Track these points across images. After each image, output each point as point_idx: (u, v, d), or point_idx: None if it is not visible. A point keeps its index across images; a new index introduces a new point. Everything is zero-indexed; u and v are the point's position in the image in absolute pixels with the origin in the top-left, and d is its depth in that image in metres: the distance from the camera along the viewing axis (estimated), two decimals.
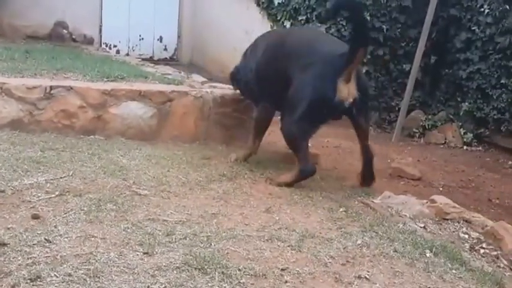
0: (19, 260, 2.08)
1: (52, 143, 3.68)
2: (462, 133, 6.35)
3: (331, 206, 3.16)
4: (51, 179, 2.96)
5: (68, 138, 3.88)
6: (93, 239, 2.30)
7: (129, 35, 8.91)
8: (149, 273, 2.06)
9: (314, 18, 6.55)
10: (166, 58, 9.13)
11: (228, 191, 3.18)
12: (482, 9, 6.21)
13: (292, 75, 3.49)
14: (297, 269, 2.25)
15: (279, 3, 6.95)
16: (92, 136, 4.00)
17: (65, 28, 8.12)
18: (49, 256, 2.12)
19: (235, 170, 3.61)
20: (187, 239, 2.41)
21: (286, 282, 2.14)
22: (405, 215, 3.18)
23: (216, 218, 2.72)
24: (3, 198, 2.66)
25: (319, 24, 6.41)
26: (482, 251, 2.86)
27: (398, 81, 6.86)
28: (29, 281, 1.94)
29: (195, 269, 2.13)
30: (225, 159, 3.89)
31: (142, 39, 9.01)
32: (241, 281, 2.09)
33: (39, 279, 1.95)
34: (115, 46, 8.78)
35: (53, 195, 2.75)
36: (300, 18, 6.59)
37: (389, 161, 5.13)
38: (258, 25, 7.43)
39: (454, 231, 3.04)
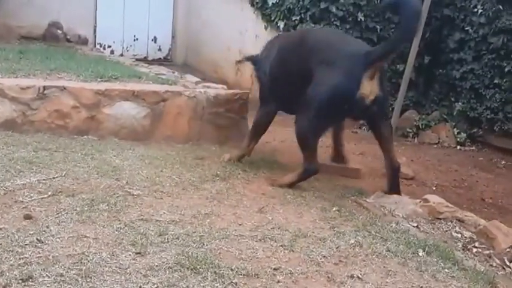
0: (11, 260, 2.07)
1: (45, 143, 3.67)
2: (456, 133, 6.36)
3: (324, 205, 3.17)
4: (44, 179, 2.95)
5: (62, 138, 3.87)
6: (85, 239, 2.30)
7: (124, 35, 8.89)
8: (141, 273, 2.06)
9: (308, 19, 6.55)
10: (160, 58, 9.12)
11: (221, 191, 3.19)
12: (475, 10, 6.23)
13: (313, 73, 3.46)
14: (290, 269, 2.25)
15: (273, 3, 6.95)
16: (85, 136, 4.00)
17: (59, 28, 8.09)
18: (41, 256, 2.12)
19: (228, 170, 3.61)
20: (180, 239, 2.41)
21: (278, 281, 2.15)
22: (398, 215, 3.19)
23: (209, 218, 2.72)
24: None
25: (313, 25, 6.42)
26: (475, 250, 2.87)
27: (392, 81, 6.86)
28: (20, 281, 1.93)
29: (188, 269, 2.13)
30: (218, 159, 3.89)
31: (137, 39, 9.00)
32: (233, 281, 2.09)
33: (30, 280, 1.94)
34: (109, 46, 8.76)
35: (46, 196, 2.74)
36: (293, 18, 6.59)
37: (383, 160, 5.13)
38: (252, 25, 7.44)
39: (446, 231, 3.05)
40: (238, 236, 2.53)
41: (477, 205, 4.15)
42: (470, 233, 3.05)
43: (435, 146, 6.27)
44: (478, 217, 3.27)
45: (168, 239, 2.39)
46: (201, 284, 2.04)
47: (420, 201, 3.38)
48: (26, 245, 2.20)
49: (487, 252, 2.85)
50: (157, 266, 2.13)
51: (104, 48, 8.60)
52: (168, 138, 4.24)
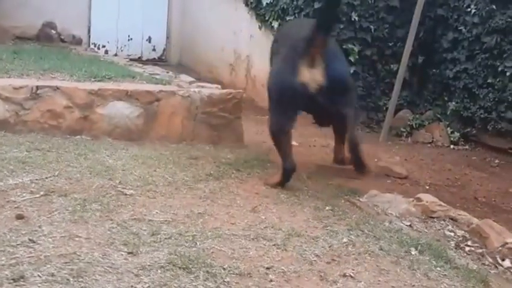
0: (2, 260, 2.06)
1: (38, 143, 3.66)
2: (449, 132, 6.38)
3: (317, 204, 3.17)
4: (37, 179, 2.94)
5: (55, 138, 3.86)
6: (77, 239, 2.29)
7: (118, 35, 8.89)
8: (133, 273, 2.05)
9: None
10: (155, 58, 9.12)
11: (214, 191, 3.19)
12: (469, 9, 6.25)
13: None
14: (282, 268, 2.25)
15: (267, 3, 6.95)
16: (78, 136, 3.99)
17: (53, 29, 8.07)
18: (33, 256, 2.11)
19: (222, 170, 3.61)
20: (173, 238, 2.41)
21: (271, 281, 2.15)
22: (391, 214, 3.20)
23: (202, 218, 2.72)
24: None
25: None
26: (467, 248, 2.88)
27: (386, 81, 6.88)
28: (12, 281, 1.93)
29: (180, 268, 2.12)
30: (212, 159, 3.88)
31: (131, 39, 8.99)
32: (225, 280, 2.09)
33: (22, 279, 1.94)
34: (103, 46, 8.75)
35: (38, 196, 2.73)
36: (288, 18, 6.59)
37: (376, 160, 5.14)
38: (246, 25, 7.44)
39: (439, 229, 3.06)
40: (231, 235, 2.54)
41: (470, 204, 4.16)
42: (463, 232, 3.06)
43: (429, 145, 6.28)
44: (471, 216, 3.28)
45: (160, 238, 2.39)
46: (193, 284, 2.04)
47: (413, 200, 3.39)
48: (17, 244, 2.19)
49: (480, 250, 2.86)
50: (149, 265, 2.12)
51: (98, 48, 8.59)
52: (162, 138, 4.23)
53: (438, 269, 2.45)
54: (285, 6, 6.68)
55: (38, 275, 1.97)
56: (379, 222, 2.97)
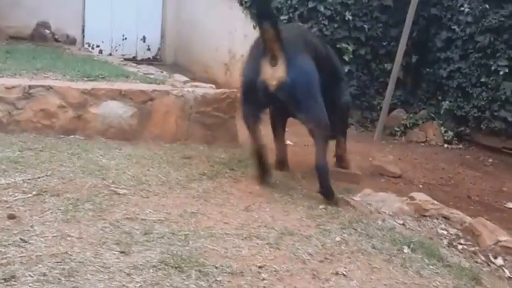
0: None
1: (31, 143, 3.64)
2: (443, 131, 6.41)
3: (311, 203, 3.17)
4: (29, 179, 2.93)
5: (48, 138, 3.84)
6: (69, 238, 2.28)
7: (112, 35, 8.86)
8: (125, 272, 2.05)
9: (296, 18, 6.56)
10: (149, 58, 9.09)
11: (208, 190, 3.18)
12: (462, 9, 6.28)
13: None
14: (275, 266, 2.25)
15: None
16: (72, 136, 3.97)
17: (47, 28, 8.03)
18: (24, 256, 2.10)
19: (216, 169, 3.60)
20: (165, 237, 2.41)
21: (263, 279, 2.15)
22: (384, 212, 3.20)
23: (195, 217, 2.72)
24: None
25: (301, 24, 6.43)
26: (460, 247, 2.89)
27: (380, 80, 6.91)
28: (3, 280, 1.92)
29: (172, 267, 2.12)
30: (206, 158, 3.88)
31: (126, 39, 8.96)
32: (218, 279, 2.09)
33: (13, 279, 1.93)
34: (98, 46, 8.72)
35: (30, 195, 2.72)
36: (282, 17, 6.60)
37: (370, 159, 5.16)
38: (241, 25, 7.43)
39: (432, 228, 3.07)
40: (224, 235, 2.53)
41: (463, 203, 4.18)
42: (456, 230, 3.08)
43: (422, 144, 6.31)
44: (464, 214, 3.30)
45: (153, 237, 2.39)
46: (185, 283, 2.03)
47: (406, 199, 3.40)
48: (9, 244, 2.18)
49: (473, 249, 2.87)
50: (141, 264, 2.12)
51: (93, 48, 8.56)
52: (155, 138, 4.22)
53: (430, 267, 2.46)
54: (279, 6, 6.69)
55: (30, 275, 1.96)
56: (372, 220, 2.97)
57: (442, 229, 3.07)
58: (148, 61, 8.55)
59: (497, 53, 5.96)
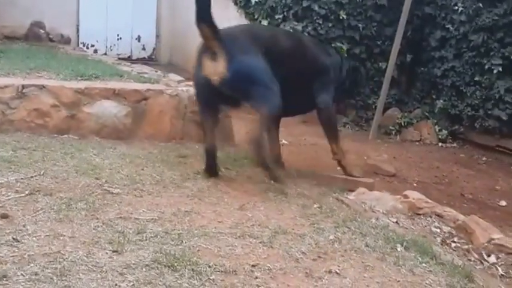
0: None
1: (24, 142, 3.63)
2: (437, 130, 6.44)
3: (305, 202, 3.17)
4: (22, 178, 2.92)
5: (41, 137, 3.82)
6: (61, 237, 2.27)
7: (107, 34, 8.84)
8: (117, 271, 2.04)
9: (291, 17, 6.57)
10: (144, 58, 9.08)
11: (202, 189, 3.18)
12: (456, 8, 6.30)
13: None
14: (268, 265, 2.25)
15: (255, 2, 6.95)
16: (65, 135, 3.95)
17: (41, 28, 8.00)
18: (16, 255, 2.09)
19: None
20: (158, 236, 2.40)
21: (256, 278, 2.15)
22: (378, 211, 3.21)
23: (188, 216, 2.71)
24: None
25: (296, 23, 6.44)
26: (453, 244, 2.90)
27: (374, 79, 6.92)
28: None
29: (165, 266, 2.12)
30: (201, 157, 3.87)
31: (120, 38, 8.95)
32: (211, 278, 2.08)
33: (5, 279, 1.92)
34: (92, 46, 8.70)
35: (23, 195, 2.71)
36: (276, 17, 6.61)
37: (365, 158, 5.18)
38: (236, 24, 7.42)
39: (426, 226, 3.08)
40: (218, 233, 2.53)
41: (457, 201, 4.20)
42: (449, 228, 3.09)
43: (417, 143, 6.33)
44: (458, 212, 3.31)
45: (146, 237, 2.38)
46: (178, 281, 2.03)
47: (400, 197, 3.41)
48: (1, 244, 2.17)
49: (466, 246, 2.88)
50: (134, 264, 2.11)
51: (87, 48, 8.54)
52: (150, 137, 4.22)
53: (423, 264, 2.46)
54: (274, 5, 6.70)
55: (22, 274, 1.95)
56: (366, 219, 2.98)
57: (435, 227, 3.08)
58: (143, 61, 8.54)
59: (491, 52, 5.99)
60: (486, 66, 5.99)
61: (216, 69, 3.33)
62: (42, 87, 3.96)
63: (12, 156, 3.30)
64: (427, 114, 6.69)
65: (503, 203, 4.48)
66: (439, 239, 2.92)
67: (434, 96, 6.73)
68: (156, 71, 5.72)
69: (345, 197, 3.44)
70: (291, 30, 6.07)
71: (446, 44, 6.54)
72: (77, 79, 4.34)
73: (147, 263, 2.13)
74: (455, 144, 6.36)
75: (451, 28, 6.40)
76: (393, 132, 6.56)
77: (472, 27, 6.14)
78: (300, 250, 2.45)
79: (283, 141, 5.07)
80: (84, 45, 8.55)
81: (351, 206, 3.23)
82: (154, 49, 9.25)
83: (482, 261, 2.73)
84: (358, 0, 6.63)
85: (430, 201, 3.36)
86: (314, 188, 3.58)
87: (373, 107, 6.72)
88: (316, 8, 6.48)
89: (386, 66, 6.39)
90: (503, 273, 2.59)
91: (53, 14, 7.93)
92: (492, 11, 5.94)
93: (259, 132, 3.43)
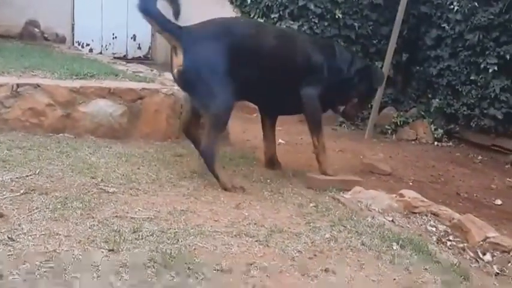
0: None
1: (19, 141, 3.61)
2: (433, 129, 6.46)
3: (301, 201, 3.18)
4: (17, 178, 2.91)
5: (36, 136, 3.81)
6: (57, 236, 2.26)
7: (102, 33, 8.80)
8: (113, 270, 2.03)
9: (287, 16, 6.57)
10: (140, 57, 9.04)
11: (198, 188, 3.18)
12: (451, 7, 6.31)
13: None
14: (264, 264, 2.25)
15: (251, 1, 6.95)
16: (60, 134, 3.94)
17: (36, 27, 7.98)
18: (12, 254, 2.08)
19: (206, 167, 3.58)
20: (154, 235, 2.39)
21: (252, 276, 2.15)
22: (374, 209, 3.21)
23: (184, 215, 2.71)
24: None
25: (292, 22, 6.44)
26: (449, 243, 2.91)
27: None
28: None
29: (161, 265, 2.11)
30: (197, 156, 3.86)
31: (116, 37, 8.91)
32: (207, 276, 2.08)
33: (0, 278, 1.91)
34: (88, 45, 8.67)
35: (18, 194, 2.69)
36: (272, 16, 6.61)
37: (361, 157, 5.19)
38: None
39: (421, 224, 3.09)
40: (214, 232, 2.53)
41: (453, 199, 4.21)
42: (445, 227, 3.10)
43: (413, 142, 6.35)
44: (453, 211, 3.32)
45: (142, 235, 2.37)
46: (174, 280, 2.03)
47: (396, 196, 3.41)
48: None
49: (461, 245, 2.89)
50: (130, 262, 2.10)
51: (83, 47, 8.51)
52: (146, 136, 4.21)
53: (419, 263, 2.47)
54: (270, 4, 6.70)
55: (17, 273, 1.94)
56: (362, 218, 2.98)
57: (431, 226, 3.09)
58: (139, 60, 8.51)
59: (486, 51, 6.01)
60: (482, 66, 6.00)
61: (177, 62, 3.40)
62: (37, 86, 3.94)
63: (7, 155, 3.28)
64: (422, 113, 6.71)
65: (498, 201, 4.49)
66: (434, 238, 2.93)
67: (430, 96, 6.75)
68: (151, 70, 5.71)
69: (341, 196, 3.44)
70: (287, 28, 6.07)
71: (442, 43, 6.56)
72: (72, 78, 4.33)
73: (143, 261, 2.12)
74: (451, 143, 6.38)
75: (447, 27, 6.41)
76: (389, 132, 6.57)
77: (468, 26, 6.16)
78: (296, 249, 2.45)
79: (280, 140, 5.08)
80: (79, 44, 8.51)
81: (347, 205, 3.24)
82: (149, 48, 9.22)
83: (478, 259, 2.74)
84: (354, 0, 6.64)
85: (425, 200, 3.37)
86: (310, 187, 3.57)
87: (369, 106, 6.73)
88: (312, 7, 6.49)
89: (382, 66, 6.39)
90: (498, 271, 2.60)
91: (47, 12, 7.90)
92: (488, 10, 5.95)
93: (208, 138, 3.38)
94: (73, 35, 8.50)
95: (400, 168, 5.03)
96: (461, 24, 6.23)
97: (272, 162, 4.03)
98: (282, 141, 5.22)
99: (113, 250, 2.19)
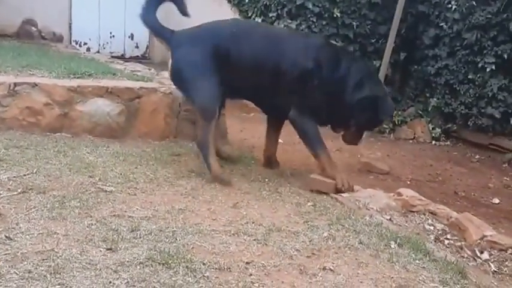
0: None
1: (16, 140, 3.61)
2: (431, 128, 6.47)
3: (299, 200, 3.18)
4: (14, 177, 2.90)
5: (34, 135, 3.80)
6: (55, 235, 2.26)
7: (100, 32, 8.78)
8: (112, 269, 2.04)
9: (285, 15, 6.57)
10: (138, 56, 9.01)
11: (196, 187, 3.18)
12: (449, 6, 6.32)
13: None
14: (262, 262, 2.25)
15: None
16: (58, 134, 3.93)
17: (33, 26, 7.96)
18: (9, 253, 2.08)
19: (204, 167, 3.58)
20: (153, 234, 2.39)
21: (250, 275, 2.15)
22: (372, 208, 3.21)
23: (182, 214, 2.71)
24: None
25: (290, 21, 6.44)
26: (446, 241, 2.91)
27: None
28: None
29: (159, 264, 2.11)
30: (194, 155, 3.86)
31: (113, 36, 8.89)
32: (205, 275, 2.08)
33: None
34: (85, 44, 8.64)
35: (15, 193, 2.69)
36: (270, 14, 6.60)
37: (359, 156, 5.19)
38: None
39: (419, 223, 3.09)
40: (212, 231, 2.53)
41: (450, 198, 4.22)
42: (443, 225, 3.10)
43: (411, 141, 6.36)
44: (451, 210, 3.32)
45: (140, 234, 2.38)
46: (173, 279, 2.03)
47: (394, 195, 3.42)
48: None
49: (459, 243, 2.89)
50: (128, 261, 2.11)
51: (80, 46, 8.48)
52: (144, 135, 4.20)
53: (417, 261, 2.47)
54: (268, 3, 6.69)
55: (15, 272, 1.94)
56: (360, 216, 2.98)
57: (428, 224, 3.09)
58: (136, 59, 8.48)
59: (484, 50, 6.01)
60: (479, 65, 6.01)
61: (169, 64, 3.72)
62: (34, 85, 3.93)
63: (4, 154, 3.28)
64: (420, 112, 6.72)
65: (495, 200, 4.50)
66: (432, 236, 2.93)
67: (427, 95, 6.76)
68: (149, 69, 5.70)
69: (339, 195, 3.44)
70: (284, 31, 6.02)
71: (440, 42, 6.56)
72: (69, 77, 4.31)
73: (141, 260, 2.12)
74: (448, 143, 6.39)
75: (445, 26, 6.42)
76: (387, 131, 6.58)
77: (466, 26, 6.16)
78: (294, 247, 2.45)
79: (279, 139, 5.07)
80: (76, 43, 8.49)
81: (345, 204, 3.24)
82: (147, 47, 9.19)
83: (475, 257, 2.74)
84: None
85: (423, 198, 3.37)
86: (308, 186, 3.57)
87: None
88: (310, 6, 6.49)
89: (380, 65, 6.40)
90: (495, 270, 2.60)
91: (45, 11, 7.88)
92: (485, 9, 5.96)
93: (200, 131, 3.58)
94: (70, 34, 8.47)
95: (398, 167, 5.04)
96: (459, 24, 6.24)
97: (270, 162, 4.02)
98: (281, 141, 5.21)
99: (111, 249, 2.20)
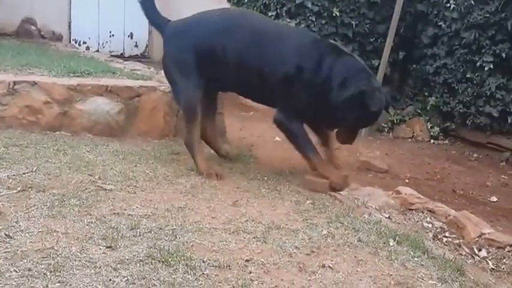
0: None
1: (16, 139, 3.62)
2: (429, 127, 6.48)
3: (298, 198, 3.19)
4: (14, 175, 2.91)
5: (33, 134, 3.82)
6: (55, 233, 2.27)
7: (99, 31, 8.79)
8: (111, 267, 2.04)
9: (284, 14, 6.57)
10: (137, 55, 9.03)
11: (196, 185, 3.18)
12: (448, 5, 6.32)
13: None
14: (262, 260, 2.26)
15: None
16: (57, 132, 3.95)
17: (33, 25, 7.98)
18: (9, 251, 2.09)
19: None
20: (152, 232, 2.40)
21: (250, 272, 2.16)
22: (371, 206, 3.22)
23: (182, 212, 2.72)
24: None
25: (289, 20, 6.44)
26: (445, 239, 2.92)
27: None
28: None
29: (159, 261, 2.12)
30: None
31: (113, 35, 8.90)
32: (205, 273, 2.09)
33: None
34: (84, 43, 8.66)
35: (15, 191, 2.70)
36: (270, 14, 6.60)
37: (358, 154, 5.20)
38: None
39: (418, 221, 3.10)
40: (211, 229, 2.54)
41: (448, 196, 4.23)
42: (441, 223, 3.11)
43: (409, 140, 6.37)
44: (449, 208, 3.33)
45: (140, 232, 2.38)
46: (172, 276, 2.03)
47: (392, 193, 3.43)
48: None
49: (457, 241, 2.90)
50: (128, 259, 2.12)
51: (79, 45, 8.50)
52: (143, 134, 4.22)
53: (415, 259, 2.48)
54: (267, 2, 6.69)
55: (14, 270, 1.95)
56: (359, 214, 2.99)
57: (427, 222, 3.10)
58: (136, 58, 8.50)
59: (482, 49, 6.02)
60: (478, 64, 6.01)
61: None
62: (34, 83, 3.94)
63: (4, 152, 3.29)
64: (419, 111, 6.72)
65: (493, 198, 4.52)
66: (430, 234, 2.94)
67: (426, 94, 6.76)
68: (148, 68, 5.72)
69: (338, 193, 3.44)
70: (278, 26, 5.92)
71: (438, 41, 6.57)
72: (69, 76, 4.33)
73: (141, 258, 2.13)
74: (446, 141, 6.40)
75: (443, 25, 6.42)
76: (386, 129, 6.59)
77: (464, 25, 6.16)
78: (294, 245, 2.46)
79: (277, 138, 5.07)
80: (76, 42, 8.50)
81: (344, 202, 3.25)
82: (147, 46, 9.21)
83: (473, 255, 2.75)
84: None
85: (422, 197, 3.38)
86: (307, 184, 3.57)
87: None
88: (309, 5, 6.49)
89: (379, 64, 6.40)
90: (493, 267, 2.61)
91: (44, 10, 7.90)
92: (484, 8, 5.96)
93: (186, 130, 3.64)
94: (70, 33, 8.49)
95: (396, 165, 5.05)
96: (458, 23, 6.24)
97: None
98: (279, 139, 5.22)
99: (110, 247, 2.20)
